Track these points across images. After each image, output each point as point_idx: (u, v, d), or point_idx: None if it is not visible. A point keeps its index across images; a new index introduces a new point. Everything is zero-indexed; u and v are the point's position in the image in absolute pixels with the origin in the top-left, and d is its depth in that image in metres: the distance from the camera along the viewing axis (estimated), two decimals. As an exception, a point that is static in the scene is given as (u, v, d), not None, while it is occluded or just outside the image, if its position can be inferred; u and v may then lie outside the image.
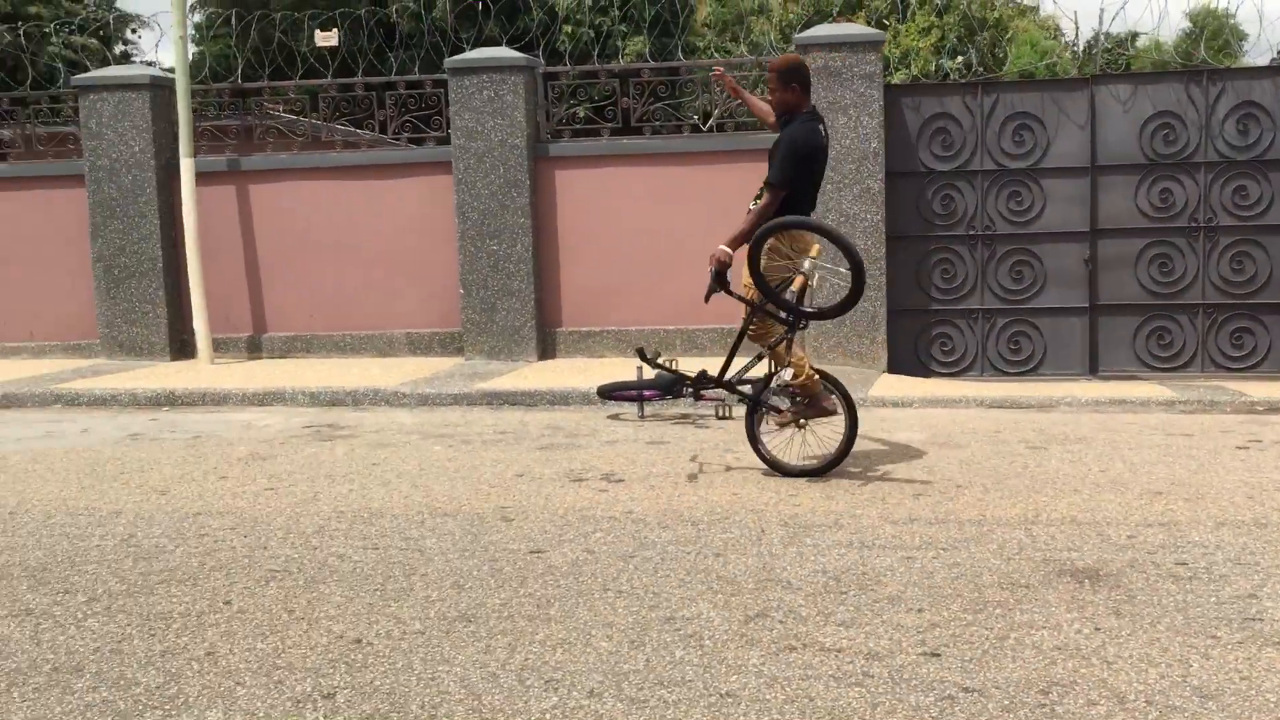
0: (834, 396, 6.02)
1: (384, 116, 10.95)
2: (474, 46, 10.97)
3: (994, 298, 9.93)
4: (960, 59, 20.38)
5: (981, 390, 8.61)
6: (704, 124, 10.73)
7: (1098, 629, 3.87)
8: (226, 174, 10.96)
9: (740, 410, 7.81)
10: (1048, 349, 9.93)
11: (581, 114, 11.39)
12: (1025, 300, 9.92)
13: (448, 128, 10.54)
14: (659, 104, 10.64)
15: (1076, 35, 17.02)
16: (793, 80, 6.06)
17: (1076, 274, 9.85)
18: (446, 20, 13.33)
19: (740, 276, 6.18)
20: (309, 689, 3.56)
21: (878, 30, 10.12)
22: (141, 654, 3.87)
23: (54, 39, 25.46)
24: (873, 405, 8.15)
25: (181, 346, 10.89)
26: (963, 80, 10.41)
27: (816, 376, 6.02)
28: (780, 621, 3.98)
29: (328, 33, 11.69)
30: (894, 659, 3.64)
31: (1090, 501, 5.48)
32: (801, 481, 5.96)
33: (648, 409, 7.96)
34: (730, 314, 10.03)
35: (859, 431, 6.28)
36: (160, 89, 10.92)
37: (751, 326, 6.09)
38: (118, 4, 37.16)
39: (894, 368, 9.75)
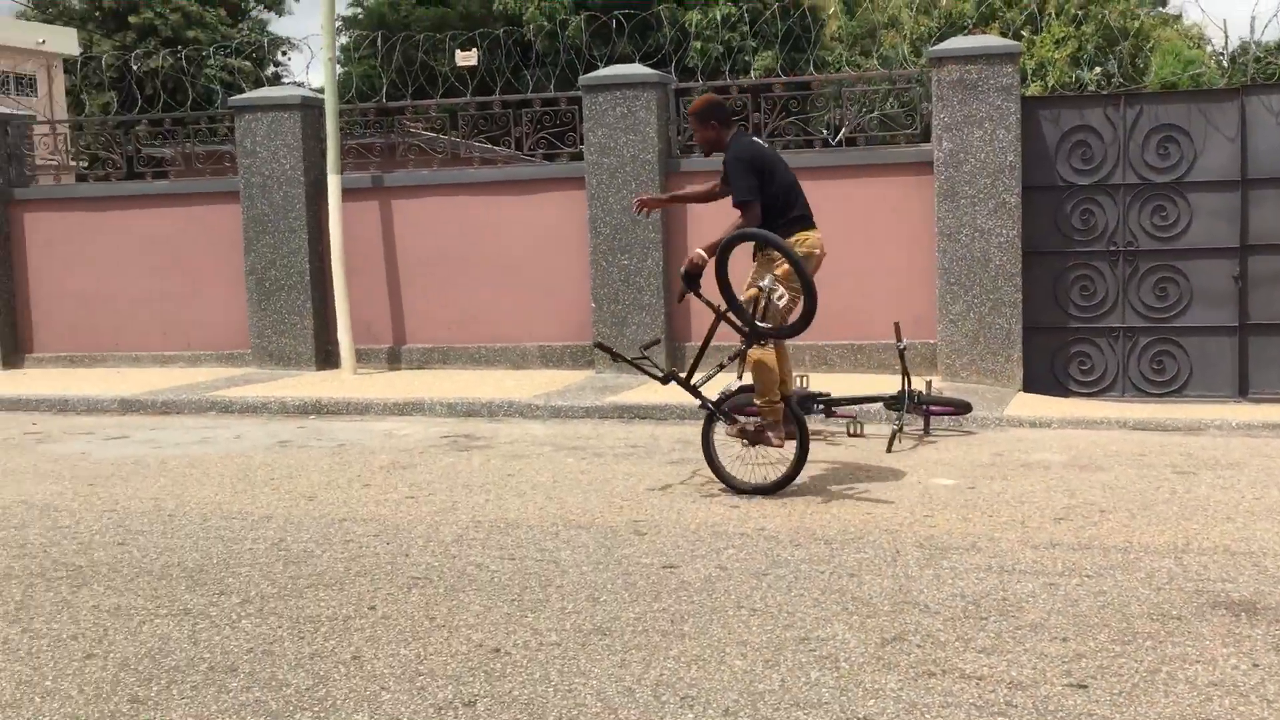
0: (785, 431, 6.02)
1: (520, 133, 11.13)
2: (607, 64, 11.08)
3: (1136, 315, 9.60)
4: (1098, 70, 19.76)
5: (1124, 411, 8.33)
6: (834, 138, 10.64)
7: (1256, 665, 3.70)
8: (370, 190, 11.26)
9: (870, 428, 7.72)
10: (1194, 369, 9.55)
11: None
12: (1169, 319, 9.57)
13: (581, 144, 10.66)
14: (790, 119, 10.58)
15: (1226, 44, 16.40)
16: (709, 118, 6.29)
17: (1225, 291, 9.46)
18: (580, 39, 13.50)
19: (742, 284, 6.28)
20: (450, 696, 3.61)
21: (1014, 42, 9.88)
22: (292, 656, 3.98)
23: (211, 62, 26.57)
24: (1008, 425, 7.95)
25: (326, 357, 11.21)
26: (1103, 91, 10.10)
27: (779, 405, 6.04)
28: (918, 645, 3.90)
29: (467, 53, 11.95)
30: (1038, 689, 3.53)
31: (1244, 530, 5.24)
32: (936, 503, 5.84)
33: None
34: (863, 329, 9.91)
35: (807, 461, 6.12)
36: (310, 109, 11.28)
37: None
38: (270, 28, 38.55)
39: (1030, 387, 9.50)
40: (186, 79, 14.22)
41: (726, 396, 6.28)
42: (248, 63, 32.64)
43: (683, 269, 6.13)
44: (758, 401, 6.08)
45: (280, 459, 7.37)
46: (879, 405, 7.84)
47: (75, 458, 7.58)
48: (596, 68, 10.83)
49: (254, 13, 38.04)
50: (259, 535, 5.51)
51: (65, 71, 28.69)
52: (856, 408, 7.77)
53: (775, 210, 6.16)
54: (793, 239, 6.12)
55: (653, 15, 16.76)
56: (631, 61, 12.54)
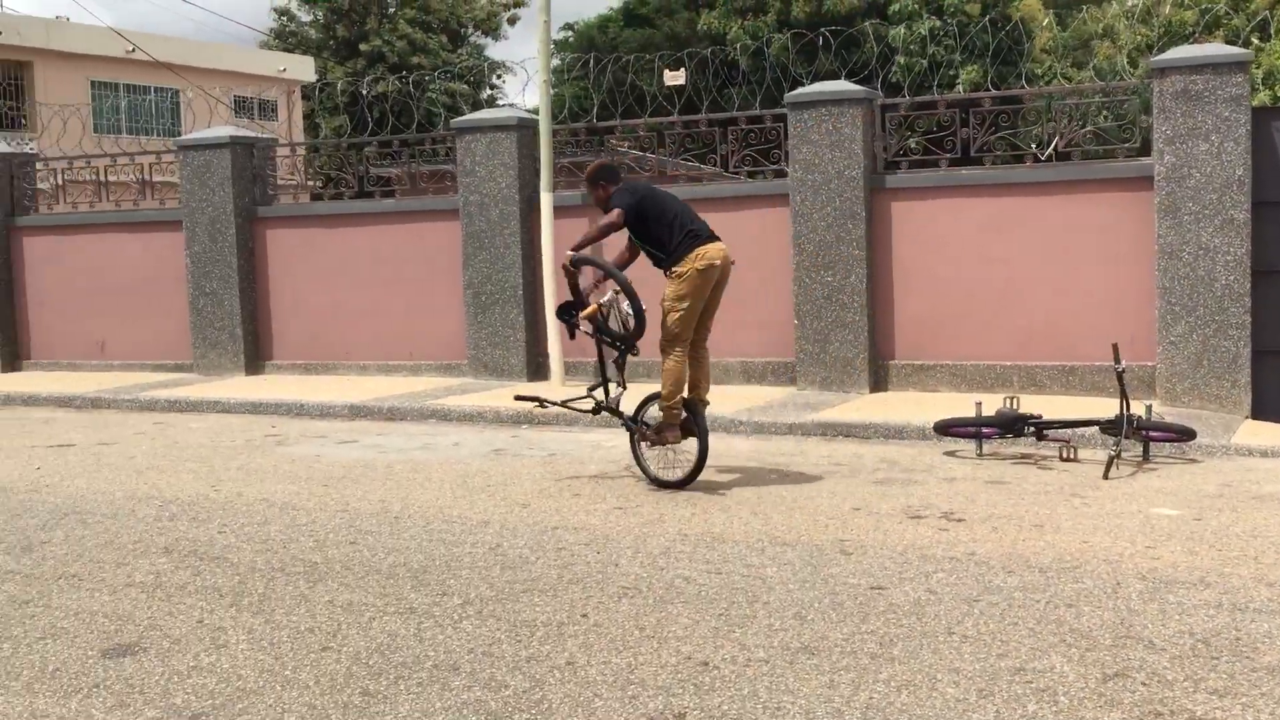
0: (679, 430, 6.83)
1: (726, 150, 11.16)
2: (811, 81, 11.00)
3: (1378, 339, 8.89)
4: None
5: (1364, 440, 7.73)
6: (1043, 153, 10.26)
7: None
8: (580, 208, 11.50)
9: (1084, 453, 7.41)
10: None
11: (913, 145, 11.17)
12: None
13: (786, 161, 10.62)
14: (999, 134, 10.27)
15: None
16: (599, 180, 7.11)
17: None
18: (785, 56, 13.46)
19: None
20: (660, 707, 3.65)
21: (1244, 50, 9.31)
22: (510, 658, 4.10)
23: (433, 86, 27.69)
24: (1236, 454, 7.49)
25: (537, 368, 11.50)
26: (1345, 103, 9.41)
27: (678, 410, 6.83)
28: (1143, 683, 3.71)
29: (676, 72, 12.07)
30: (1275, 735, 3.32)
31: None
32: (1159, 533, 5.55)
33: (986, 447, 7.67)
34: (1073, 349, 9.52)
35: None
36: (525, 129, 11.62)
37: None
38: (486, 52, 39.93)
39: (1259, 414, 8.90)
40: (413, 103, 14.88)
41: (642, 406, 7.12)
42: (466, 86, 33.88)
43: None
44: (661, 404, 6.85)
45: (495, 466, 7.61)
46: (1093, 429, 7.52)
47: (310, 460, 8.02)
48: (800, 85, 10.78)
49: (472, 38, 39.47)
50: (477, 539, 5.70)
51: (304, 97, 30.42)
52: (1070, 431, 7.47)
53: (663, 240, 6.86)
54: (691, 254, 6.76)
55: (857, 31, 16.56)
56: (836, 78, 12.43)
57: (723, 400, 9.63)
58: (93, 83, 27.22)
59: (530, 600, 4.74)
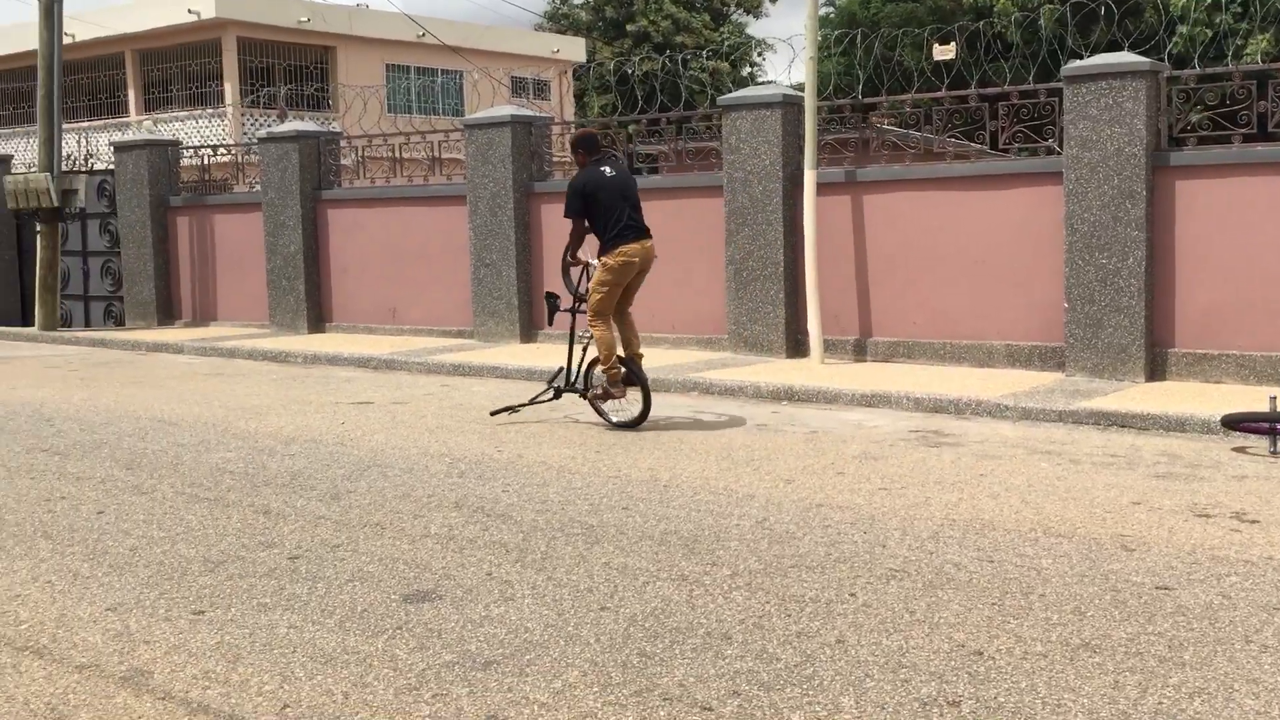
0: (622, 385, 8.11)
1: (995, 127, 10.73)
2: (1090, 54, 10.40)
3: None
4: None
5: None
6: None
7: None
8: (843, 185, 11.34)
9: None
10: None
11: (1195, 120, 10.38)
12: None
13: (1059, 137, 10.10)
14: (1304, 108, 9.40)
15: None
16: (577, 148, 8.34)
17: None
18: (1061, 28, 12.78)
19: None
20: (933, 692, 3.58)
21: None
22: (780, 632, 4.12)
23: (695, 64, 27.91)
24: None
25: (795, 345, 11.46)
26: None
27: (617, 369, 8.09)
28: None
29: (945, 46, 11.69)
30: None
31: None
32: None
33: (1280, 443, 7.09)
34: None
35: None
36: (789, 106, 11.53)
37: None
38: (748, 30, 39.89)
39: None
40: (680, 81, 15.04)
41: (586, 373, 8.41)
42: (726, 64, 33.97)
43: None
44: (601, 368, 8.18)
45: (758, 441, 7.64)
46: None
47: (582, 426, 8.28)
48: (1078, 57, 10.21)
49: (734, 16, 39.47)
50: (744, 513, 5.74)
51: (575, 78, 31.31)
52: None
53: (601, 229, 8.08)
54: (616, 250, 8.02)
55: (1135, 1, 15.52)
56: (1117, 49, 11.71)
57: (985, 384, 9.32)
58: (387, 66, 28.93)
59: (798, 576, 4.74)
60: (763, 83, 29.19)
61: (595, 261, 8.21)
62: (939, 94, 11.24)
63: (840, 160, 11.87)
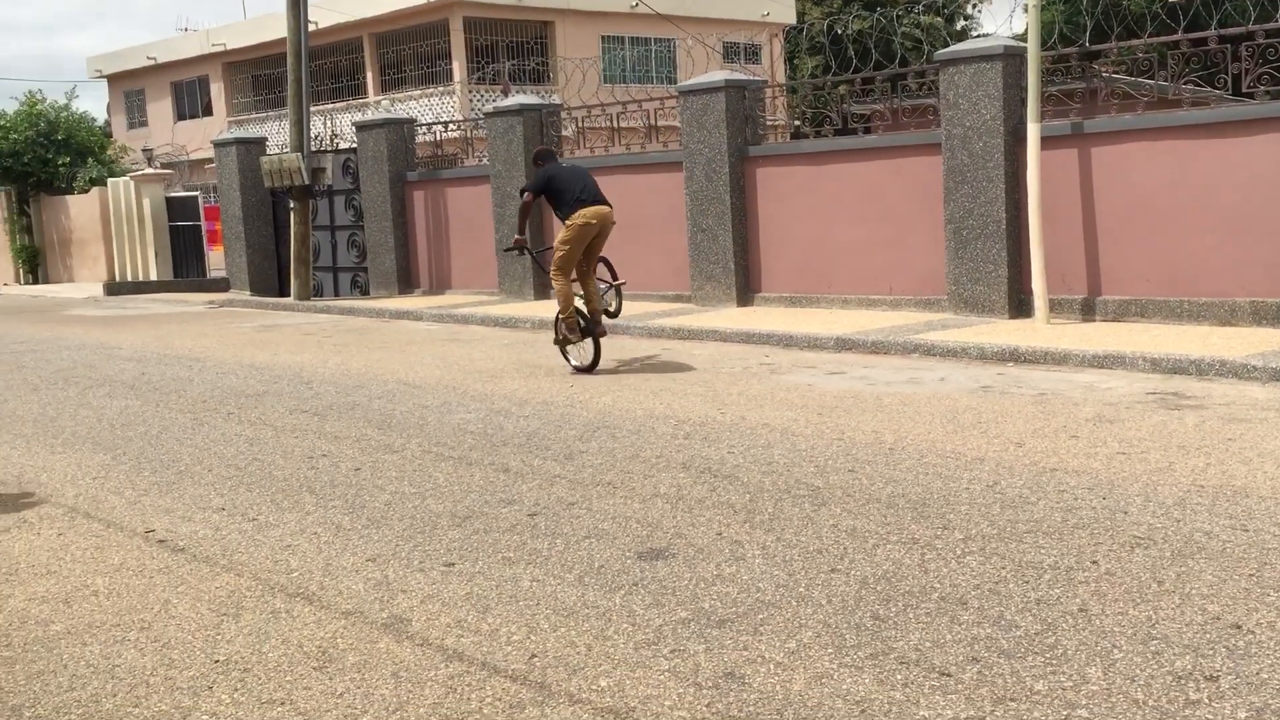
0: (579, 332, 9.27)
1: (1238, 70, 9.91)
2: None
3: None
4: None
5: None
6: None
7: None
8: (1069, 138, 10.76)
9: None
10: None
11: None
12: None
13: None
14: None
15: None
16: (535, 160, 10.02)
17: None
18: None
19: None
20: (1188, 666, 3.38)
21: None
22: (1018, 599, 3.97)
23: (905, 20, 27.04)
24: None
25: (1019, 305, 10.99)
26: None
27: (572, 317, 9.23)
28: None
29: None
30: None
31: None
32: None
33: None
34: None
35: None
36: (1011, 58, 11.00)
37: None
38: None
39: None
40: (895, 38, 14.58)
41: (557, 323, 9.46)
42: (940, 18, 32.73)
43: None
44: (558, 315, 9.29)
45: (984, 403, 7.38)
46: None
47: (803, 389, 8.21)
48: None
49: (947, -31, 37.95)
50: (973, 476, 5.56)
51: (785, 40, 30.87)
52: None
53: (560, 203, 9.32)
54: (576, 214, 9.16)
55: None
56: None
57: (1229, 343, 8.70)
58: (603, 37, 29.26)
59: (1034, 541, 4.55)
60: (978, 36, 27.98)
61: (529, 246, 10.01)
62: (1174, 37, 10.48)
63: (1065, 112, 11.26)
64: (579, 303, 9.36)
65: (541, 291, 15.21)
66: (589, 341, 9.26)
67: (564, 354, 9.50)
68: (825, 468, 5.85)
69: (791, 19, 31.77)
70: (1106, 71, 12.67)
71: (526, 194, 9.53)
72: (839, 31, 23.68)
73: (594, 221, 9.20)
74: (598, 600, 4.15)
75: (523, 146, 15.08)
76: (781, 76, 29.49)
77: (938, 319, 11.01)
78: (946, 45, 12.30)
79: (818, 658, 3.58)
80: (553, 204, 9.46)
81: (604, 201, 9.32)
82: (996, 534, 4.66)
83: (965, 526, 4.78)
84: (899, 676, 3.42)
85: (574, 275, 9.34)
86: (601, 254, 9.64)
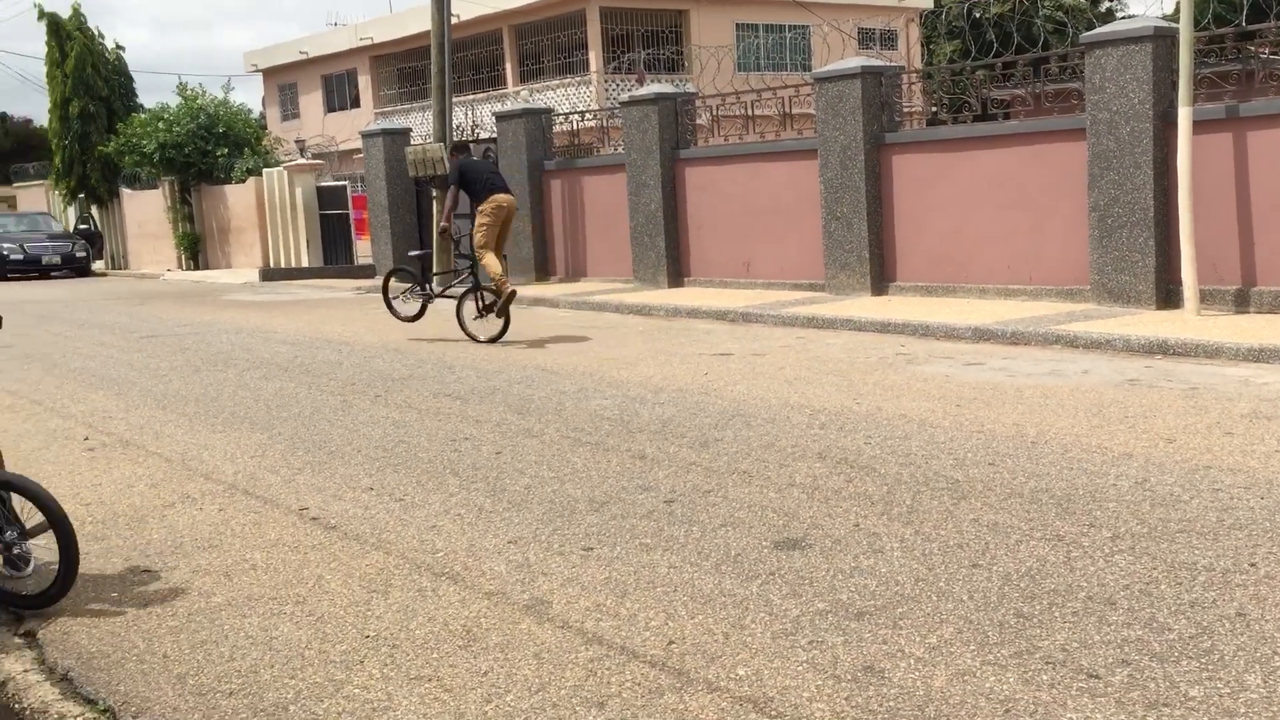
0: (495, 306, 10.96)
1: None
2: None
3: None
4: None
5: None
6: None
7: None
8: (1223, 121, 10.23)
9: None
10: None
11: None
12: None
13: None
14: None
15: None
16: (454, 152, 12.12)
17: None
18: None
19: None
20: (1358, 679, 3.17)
21: None
22: (1170, 600, 3.80)
23: (1048, 2, 26.12)
24: None
25: (1167, 296, 10.52)
26: None
27: (504, 280, 10.94)
28: None
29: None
30: None
31: None
32: None
33: None
34: None
35: None
36: (1161, 39, 10.51)
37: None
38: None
39: None
40: (1038, 21, 14.08)
41: (462, 299, 11.34)
42: (1081, 1, 31.51)
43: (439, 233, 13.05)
44: (493, 276, 10.93)
45: (1130, 397, 7.08)
46: None
47: (940, 379, 8.02)
48: None
49: (1091, -51, 36.46)
50: (1120, 472, 5.34)
51: (921, 24, 30.16)
52: None
53: (474, 194, 11.17)
54: (487, 201, 11.07)
55: None
56: None
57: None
58: (737, 25, 29.07)
59: (1187, 541, 4.35)
60: (1124, 18, 26.84)
61: (452, 231, 11.64)
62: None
63: (1219, 95, 10.72)
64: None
65: (676, 279, 15.22)
66: (494, 318, 10.96)
67: (468, 332, 11.18)
68: (965, 460, 5.70)
69: (928, 3, 31.02)
70: (1264, 52, 12.00)
71: (451, 186, 11.33)
72: (978, 15, 23.00)
73: (504, 205, 11.17)
74: (734, 588, 4.13)
75: (658, 135, 15.10)
76: (918, 62, 28.83)
77: (1080, 309, 10.62)
78: (1091, 27, 11.82)
79: (959, 654, 3.49)
80: (468, 193, 11.23)
81: (508, 191, 11.39)
82: (1147, 533, 4.47)
83: (1113, 524, 4.59)
84: (1045, 677, 3.31)
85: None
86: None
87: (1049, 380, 7.78)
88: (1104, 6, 34.77)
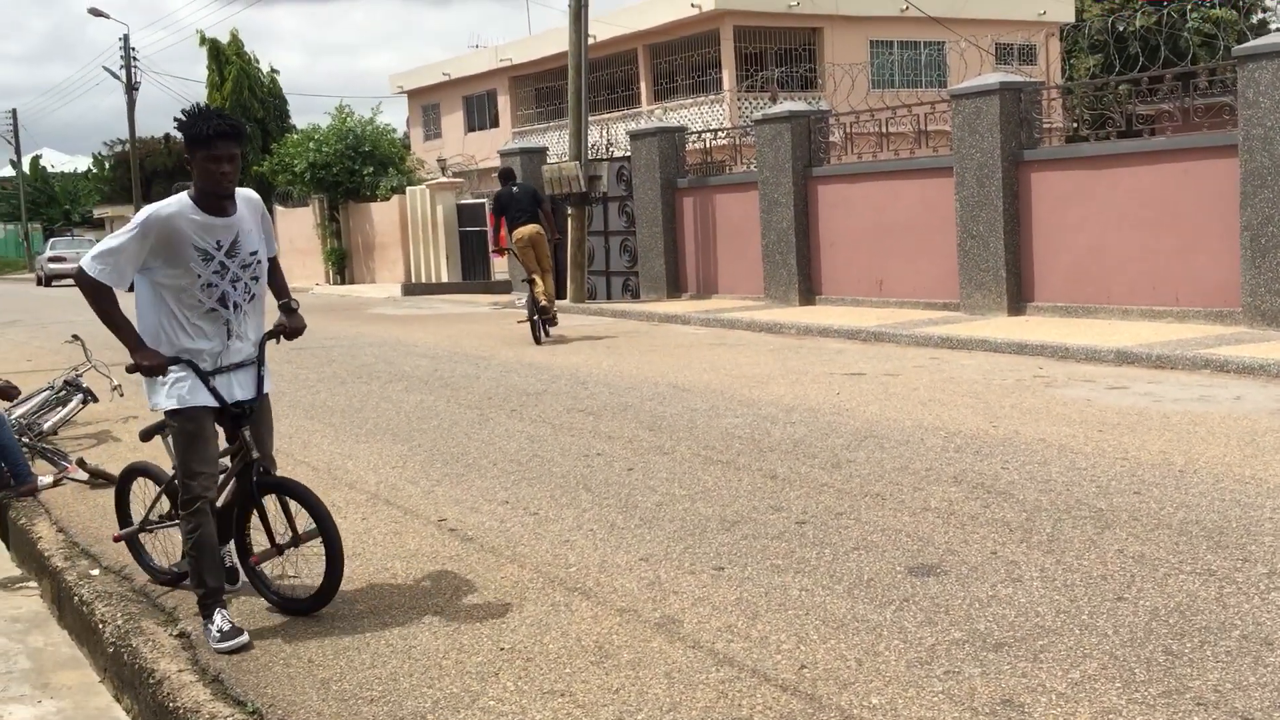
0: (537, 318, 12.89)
1: None
2: None
3: None
4: None
5: None
6: None
7: None
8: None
9: None
10: None
11: None
12: None
13: None
14: None
15: None
16: (502, 179, 13.95)
17: None
18: None
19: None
20: None
21: None
22: (1335, 645, 3.56)
23: (1194, 15, 25.04)
24: None
25: (1327, 317, 9.94)
26: None
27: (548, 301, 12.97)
28: None
29: None
30: None
31: None
32: None
33: None
34: None
35: None
36: (1324, 53, 9.96)
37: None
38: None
39: None
40: (1185, 34, 13.50)
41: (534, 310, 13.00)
42: (1232, 12, 30.10)
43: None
44: (542, 294, 12.84)
45: (1287, 425, 6.71)
46: None
47: (1080, 403, 7.73)
48: None
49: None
50: (1277, 505, 5.05)
51: (1061, 39, 29.27)
52: None
53: (510, 220, 13.17)
54: (514, 235, 13.07)
55: None
56: None
57: None
58: (871, 42, 28.73)
59: (1352, 582, 4.08)
60: (1278, 30, 25.54)
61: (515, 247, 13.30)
62: None
63: (1390, 108, 10.09)
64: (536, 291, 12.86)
65: (807, 297, 15.08)
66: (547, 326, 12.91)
67: (536, 334, 12.89)
68: (1108, 488, 5.47)
69: (1069, 17, 30.09)
70: None
71: (491, 215, 13.70)
72: (1121, 28, 22.21)
73: (525, 236, 13.01)
74: (868, 614, 4.04)
75: (790, 153, 15.00)
76: (1058, 77, 27.98)
77: (1230, 333, 10.12)
78: (1242, 40, 11.29)
79: (1104, 691, 3.34)
80: (506, 219, 13.14)
81: (536, 219, 13.05)
82: (1306, 572, 4.21)
83: (1270, 560, 4.35)
84: (1196, 719, 3.14)
85: (534, 273, 12.93)
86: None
87: (1198, 406, 7.42)
88: (1256, 18, 33.16)
